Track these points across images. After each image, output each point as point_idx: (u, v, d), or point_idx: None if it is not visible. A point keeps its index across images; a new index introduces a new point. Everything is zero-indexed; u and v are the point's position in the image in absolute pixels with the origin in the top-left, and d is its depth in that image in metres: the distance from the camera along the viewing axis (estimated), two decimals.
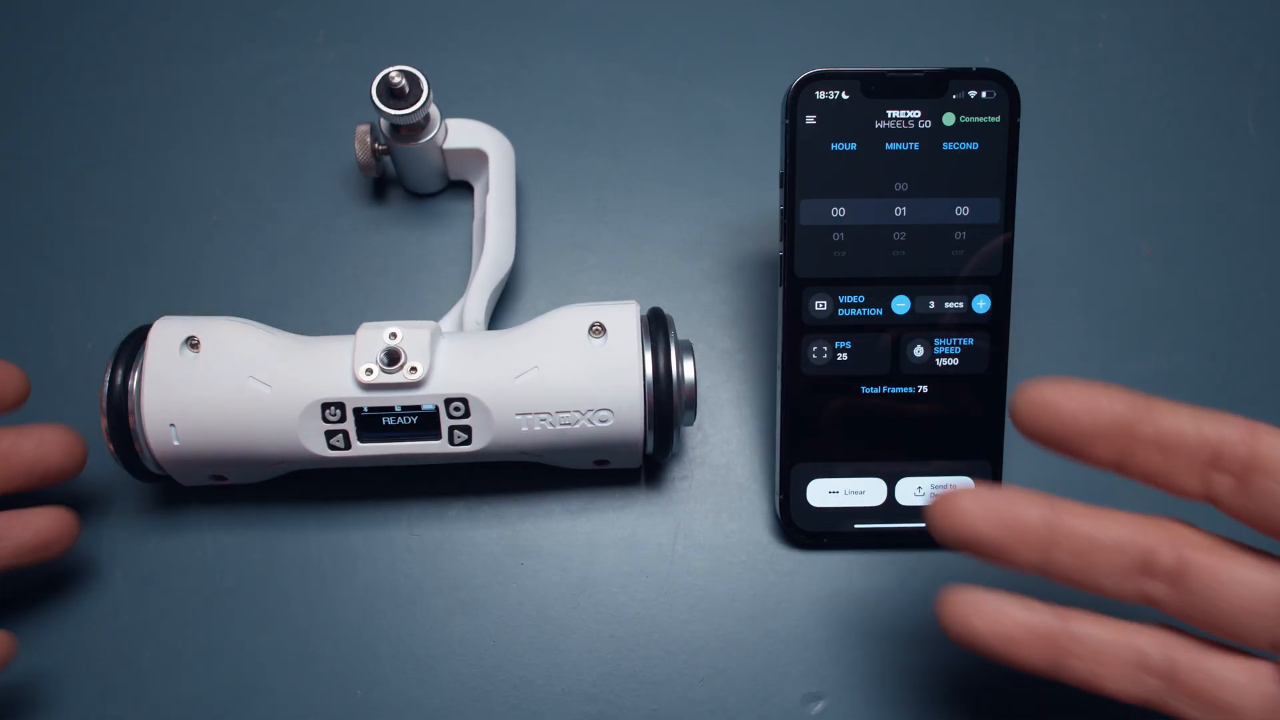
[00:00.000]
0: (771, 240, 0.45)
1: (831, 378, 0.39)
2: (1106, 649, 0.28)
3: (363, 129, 0.43)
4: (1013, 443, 0.41)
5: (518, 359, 0.36)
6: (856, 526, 0.39)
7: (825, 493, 0.39)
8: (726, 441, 0.42)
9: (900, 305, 0.38)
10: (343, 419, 0.35)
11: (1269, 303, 0.45)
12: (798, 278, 0.38)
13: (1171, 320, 0.44)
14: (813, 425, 0.39)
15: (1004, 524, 0.28)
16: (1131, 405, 0.27)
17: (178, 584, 0.39)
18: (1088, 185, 0.47)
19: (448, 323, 0.41)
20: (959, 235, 0.38)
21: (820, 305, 0.38)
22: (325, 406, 0.35)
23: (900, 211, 0.38)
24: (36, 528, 0.35)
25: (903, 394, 0.39)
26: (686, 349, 0.37)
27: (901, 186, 0.38)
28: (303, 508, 0.41)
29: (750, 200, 0.46)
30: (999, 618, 0.29)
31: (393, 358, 0.35)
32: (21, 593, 0.39)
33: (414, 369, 0.35)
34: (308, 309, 0.44)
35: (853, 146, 0.38)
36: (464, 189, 0.46)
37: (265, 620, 0.39)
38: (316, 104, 0.48)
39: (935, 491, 0.39)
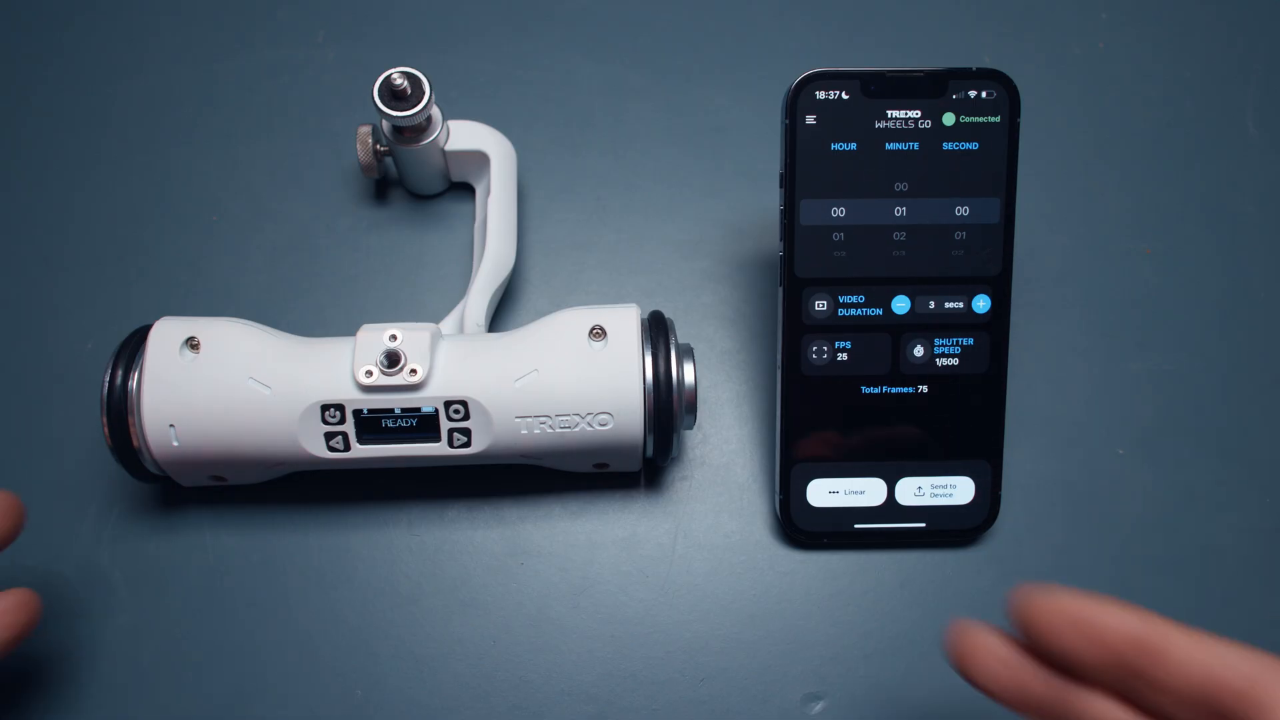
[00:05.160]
0: (771, 240, 0.45)
1: (831, 378, 0.39)
2: None
3: (364, 130, 0.43)
4: (1012, 443, 0.41)
5: (518, 362, 0.36)
6: (856, 526, 0.39)
7: (825, 493, 0.39)
8: (726, 441, 0.42)
9: (900, 305, 0.38)
10: (342, 421, 0.35)
11: (1268, 303, 0.45)
12: (798, 278, 0.38)
13: (1171, 320, 0.44)
14: (813, 425, 0.39)
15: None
16: (1135, 641, 0.23)
17: (178, 584, 0.39)
18: (1088, 185, 0.47)
19: (448, 325, 0.41)
20: (959, 235, 0.38)
21: (820, 305, 0.38)
22: (325, 408, 0.35)
23: (900, 211, 0.38)
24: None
25: (903, 394, 0.39)
26: (687, 353, 0.37)
27: (901, 186, 0.38)
28: (303, 508, 0.41)
29: (750, 200, 0.46)
30: (997, 670, 0.27)
31: (393, 360, 0.35)
32: None
33: (414, 371, 0.35)
34: (308, 309, 0.44)
35: (853, 146, 0.38)
36: (465, 190, 0.46)
37: (265, 620, 0.39)
38: (316, 104, 0.48)
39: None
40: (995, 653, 0.26)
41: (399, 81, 0.40)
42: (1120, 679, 0.24)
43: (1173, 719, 0.23)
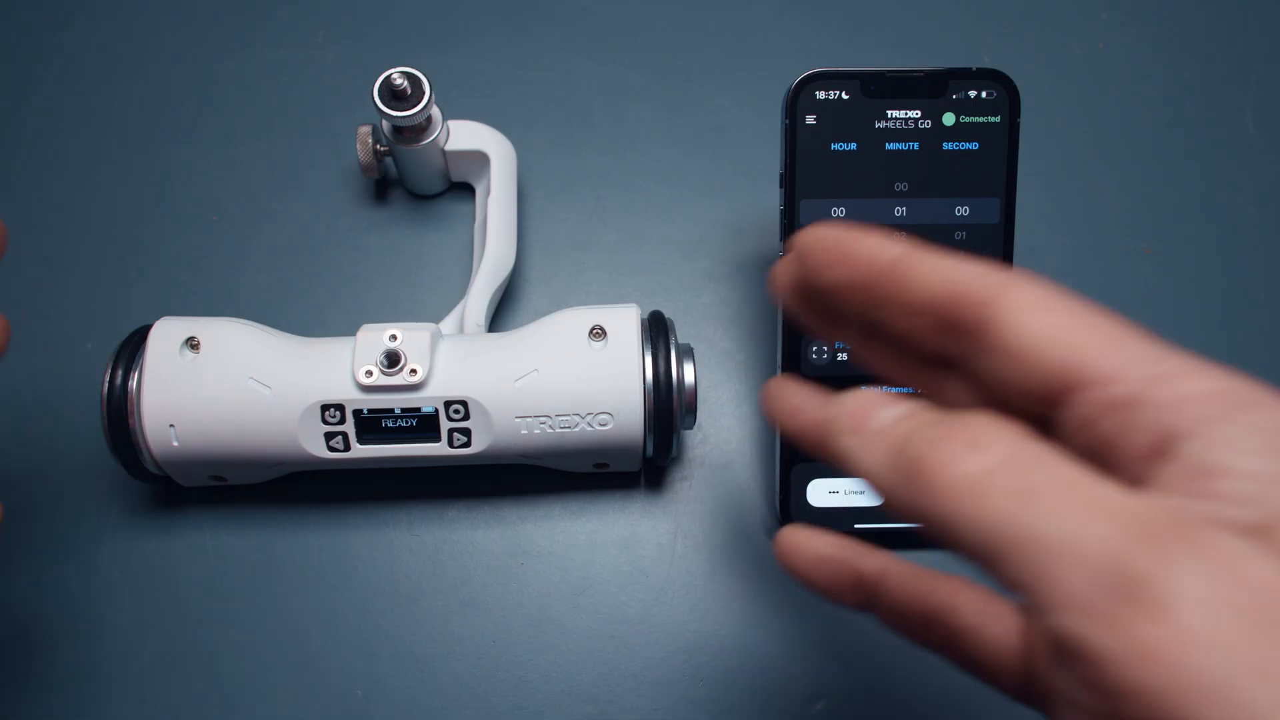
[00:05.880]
0: (771, 240, 0.45)
1: (831, 377, 0.39)
2: (906, 603, 0.27)
3: (364, 130, 0.43)
4: None
5: (518, 362, 0.36)
6: (856, 526, 0.39)
7: (825, 493, 0.39)
8: (726, 441, 0.42)
9: None
10: (342, 421, 0.35)
11: (1269, 303, 0.45)
12: None
13: (1171, 320, 0.44)
14: None
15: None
16: (888, 263, 0.23)
17: (178, 584, 0.39)
18: (1088, 185, 0.47)
19: (448, 325, 0.41)
20: (959, 235, 0.38)
21: None
22: (325, 408, 0.35)
23: (900, 211, 0.38)
24: None
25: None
26: (687, 353, 0.37)
27: (901, 186, 0.38)
28: (303, 508, 0.41)
29: (750, 200, 0.46)
30: (813, 552, 0.28)
31: (393, 360, 0.35)
32: (22, 593, 0.39)
33: (414, 371, 0.35)
34: (308, 309, 0.44)
35: (853, 146, 0.38)
36: (465, 190, 0.46)
37: (265, 620, 0.39)
38: (316, 104, 0.48)
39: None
40: (810, 542, 0.28)
41: (399, 81, 0.40)
42: (872, 307, 0.23)
43: (914, 341, 0.23)
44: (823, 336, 0.27)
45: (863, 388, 0.22)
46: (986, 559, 0.18)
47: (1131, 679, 0.15)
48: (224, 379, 0.35)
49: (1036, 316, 0.20)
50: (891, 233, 0.23)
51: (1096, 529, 0.16)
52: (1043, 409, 0.21)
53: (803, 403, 0.27)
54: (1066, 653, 0.16)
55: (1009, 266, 0.21)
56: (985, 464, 0.18)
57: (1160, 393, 0.18)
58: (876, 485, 0.20)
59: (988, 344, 0.21)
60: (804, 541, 0.28)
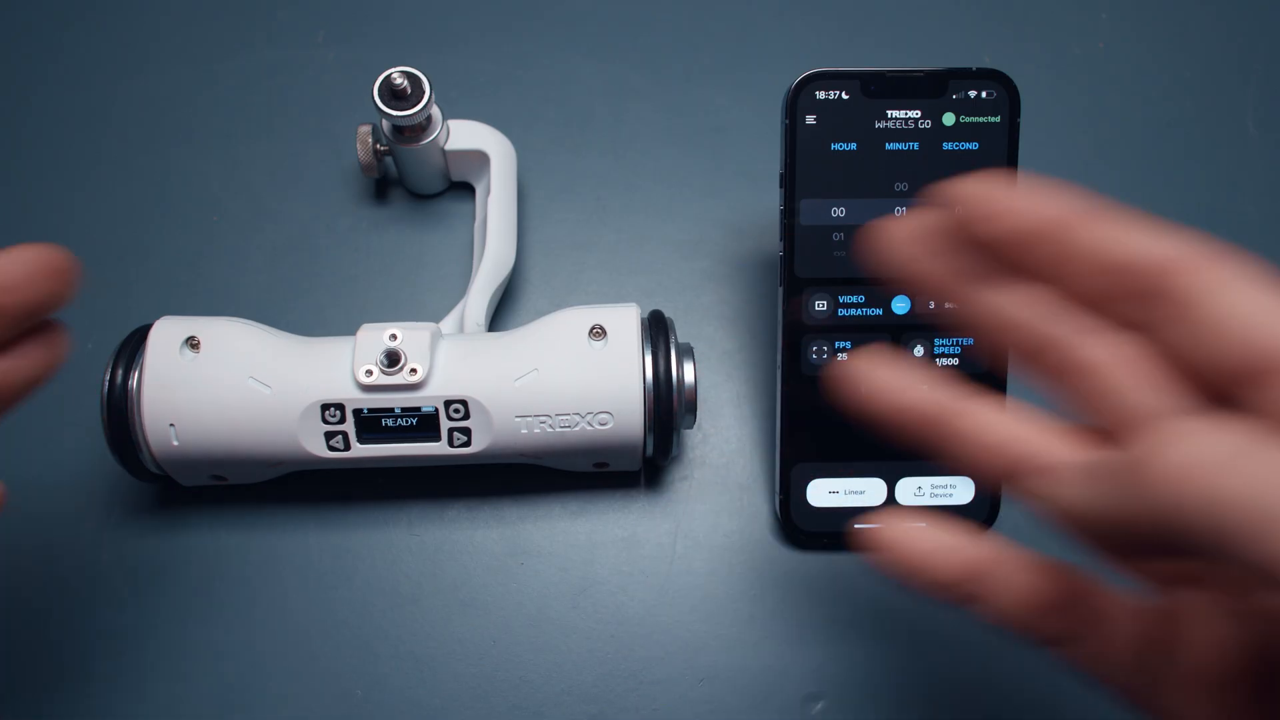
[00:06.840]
0: (771, 240, 0.45)
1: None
2: (1023, 594, 0.25)
3: (364, 129, 0.43)
4: None
5: (518, 361, 0.36)
6: (856, 526, 0.39)
7: (825, 493, 0.39)
8: (726, 441, 0.42)
9: (900, 305, 0.38)
10: (342, 420, 0.35)
11: None
12: (798, 278, 0.38)
13: None
14: (813, 425, 0.39)
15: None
16: (1070, 218, 0.22)
17: (178, 584, 0.39)
18: (1088, 185, 0.46)
19: (448, 324, 0.41)
20: None
21: (820, 305, 0.38)
22: (325, 407, 0.35)
23: (900, 212, 0.38)
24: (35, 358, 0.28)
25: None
26: (687, 352, 0.37)
27: (901, 186, 0.38)
28: (303, 508, 0.41)
29: (750, 200, 0.46)
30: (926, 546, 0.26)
31: (393, 359, 0.35)
32: (22, 593, 0.39)
33: (414, 371, 0.35)
34: (308, 309, 0.44)
35: (853, 146, 0.38)
36: (465, 190, 0.46)
37: (265, 620, 0.39)
38: (316, 104, 0.48)
39: (935, 492, 0.39)
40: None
41: (399, 81, 0.40)
42: (1045, 264, 0.22)
43: (1109, 308, 0.22)
44: (940, 295, 0.25)
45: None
46: (1218, 542, 0.17)
47: None
48: (224, 378, 0.35)
49: (1241, 295, 0.20)
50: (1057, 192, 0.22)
51: None
52: (1234, 386, 0.20)
53: (911, 389, 0.26)
54: None
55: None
56: (1228, 448, 0.18)
57: None
58: (1079, 513, 0.20)
59: (1185, 315, 0.20)
60: (916, 535, 0.26)
